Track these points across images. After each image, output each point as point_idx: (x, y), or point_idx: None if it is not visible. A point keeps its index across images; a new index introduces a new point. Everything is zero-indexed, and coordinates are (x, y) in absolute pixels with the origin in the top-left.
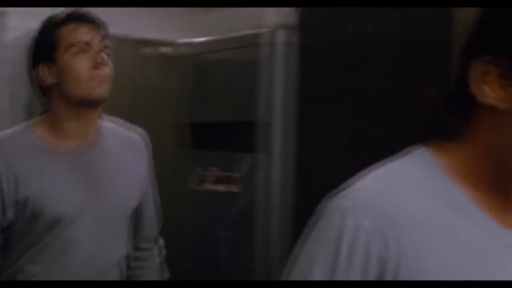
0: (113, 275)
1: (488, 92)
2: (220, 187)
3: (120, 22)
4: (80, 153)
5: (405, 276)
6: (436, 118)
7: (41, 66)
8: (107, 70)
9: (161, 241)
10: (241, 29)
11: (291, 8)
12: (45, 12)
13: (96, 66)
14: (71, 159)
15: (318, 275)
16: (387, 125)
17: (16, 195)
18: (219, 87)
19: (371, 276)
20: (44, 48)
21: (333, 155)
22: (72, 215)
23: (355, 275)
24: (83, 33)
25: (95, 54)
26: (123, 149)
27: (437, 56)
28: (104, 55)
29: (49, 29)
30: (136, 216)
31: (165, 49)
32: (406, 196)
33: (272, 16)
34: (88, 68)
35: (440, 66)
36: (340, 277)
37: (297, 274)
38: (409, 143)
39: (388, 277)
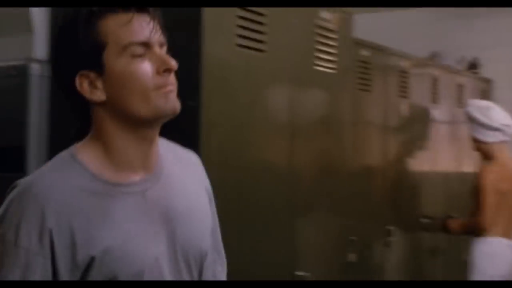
0: None
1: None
2: None
3: None
4: (146, 186)
5: None
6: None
7: (80, 76)
8: (173, 75)
9: None
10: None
11: (45, 42)
12: None
13: (163, 71)
14: (138, 196)
15: None
16: None
17: (74, 258)
18: None
19: None
20: (85, 50)
21: None
22: (153, 271)
23: None
24: (139, 28)
25: (159, 56)
26: (185, 174)
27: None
28: (169, 56)
29: (89, 21)
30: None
31: None
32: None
33: (32, 48)
34: (153, 76)
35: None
36: None
37: None
38: None
39: None
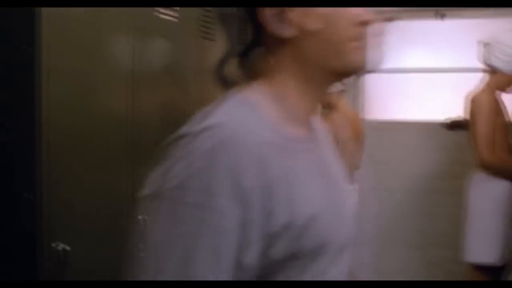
0: None
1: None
2: None
3: None
4: (316, 145)
5: None
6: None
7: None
8: None
9: None
10: None
11: None
12: None
13: (364, 23)
14: (314, 155)
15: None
16: None
17: (269, 223)
18: None
19: None
20: None
21: None
22: (336, 246)
23: None
24: None
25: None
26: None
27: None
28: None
29: None
30: None
31: None
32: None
33: None
34: (356, 25)
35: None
36: None
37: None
38: None
39: None
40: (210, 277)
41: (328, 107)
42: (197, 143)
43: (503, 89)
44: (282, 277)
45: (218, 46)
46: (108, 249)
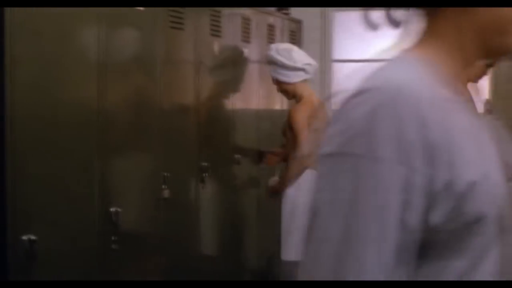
0: None
1: None
2: None
3: None
4: (468, 110)
5: None
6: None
7: None
8: None
9: None
10: None
11: None
12: None
13: None
14: (470, 119)
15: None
16: None
17: (452, 181)
18: None
19: None
20: None
21: None
22: (503, 212)
23: None
24: None
25: None
26: None
27: None
28: None
29: None
30: None
31: None
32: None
33: None
34: None
35: None
36: None
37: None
38: None
39: None
40: (378, 231)
41: (296, 98)
42: (366, 100)
43: (470, 79)
44: (443, 247)
45: (186, 35)
46: (77, 239)
